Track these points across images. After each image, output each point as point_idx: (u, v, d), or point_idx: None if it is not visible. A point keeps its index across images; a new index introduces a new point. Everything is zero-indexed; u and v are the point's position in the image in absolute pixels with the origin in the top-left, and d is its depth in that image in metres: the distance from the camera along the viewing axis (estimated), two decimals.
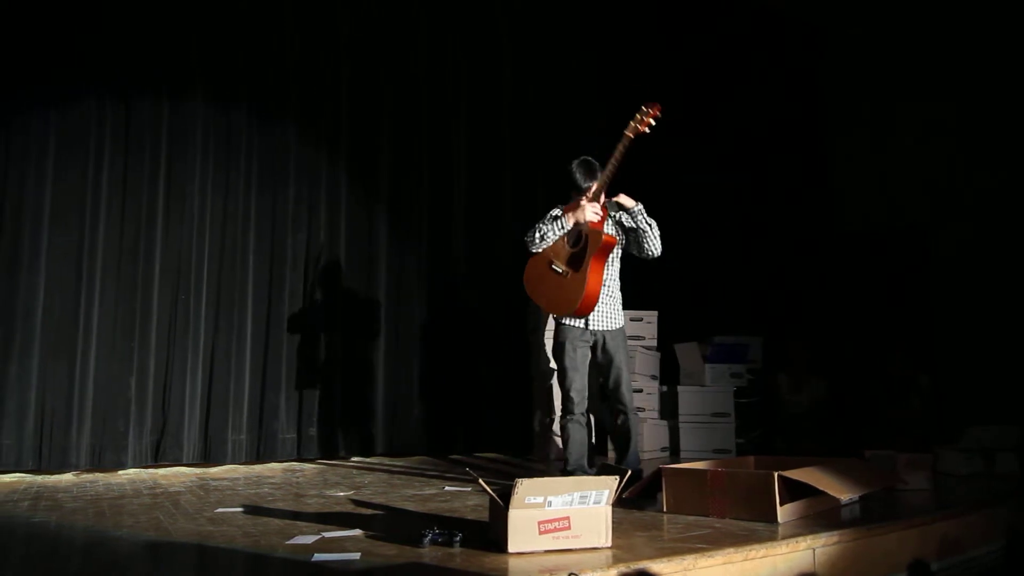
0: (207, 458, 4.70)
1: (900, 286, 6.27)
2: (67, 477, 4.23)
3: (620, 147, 3.42)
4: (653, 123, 3.41)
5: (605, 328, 3.65)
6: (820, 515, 2.83)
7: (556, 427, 5.09)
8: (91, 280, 4.51)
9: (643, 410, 5.19)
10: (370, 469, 4.64)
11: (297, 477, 4.29)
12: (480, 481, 2.46)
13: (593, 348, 3.69)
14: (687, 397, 5.29)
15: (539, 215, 3.74)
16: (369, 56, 5.44)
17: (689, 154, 6.33)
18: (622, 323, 3.73)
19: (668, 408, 5.38)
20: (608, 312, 3.67)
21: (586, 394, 3.66)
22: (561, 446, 3.75)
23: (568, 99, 6.11)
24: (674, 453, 5.23)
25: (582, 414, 3.63)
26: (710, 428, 5.23)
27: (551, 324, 5.23)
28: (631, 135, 3.42)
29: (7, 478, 4.15)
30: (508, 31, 5.97)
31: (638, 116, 3.42)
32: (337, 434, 5.12)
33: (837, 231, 6.74)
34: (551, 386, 5.15)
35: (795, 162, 6.70)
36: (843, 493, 2.87)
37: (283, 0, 5.16)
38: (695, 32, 6.50)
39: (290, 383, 5.00)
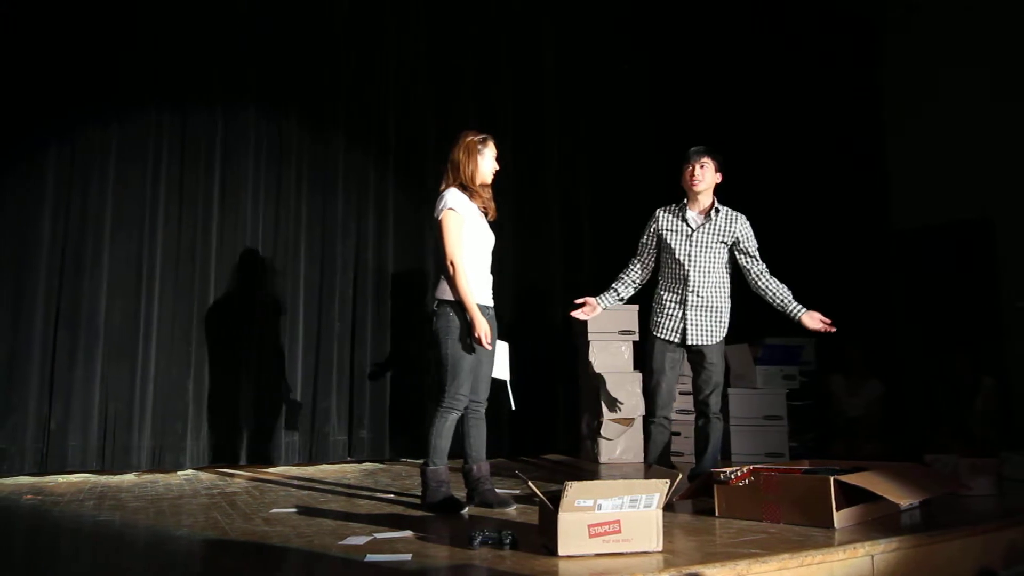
0: (261, 460, 4.79)
1: (962, 283, 6.05)
2: (129, 477, 4.37)
3: None
4: None
5: (703, 343, 3.62)
6: (878, 521, 2.76)
7: (604, 430, 5.07)
8: (150, 284, 4.64)
9: (691, 412, 5.12)
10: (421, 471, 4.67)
11: (348, 478, 4.35)
12: (530, 484, 2.46)
13: (688, 352, 3.68)
14: (738, 399, 5.19)
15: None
16: (416, 65, 5.48)
17: (741, 154, 6.22)
18: (721, 338, 3.65)
19: None
20: (707, 326, 3.62)
21: (670, 399, 3.67)
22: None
23: (614, 112, 6.08)
24: (725, 456, 5.12)
25: (664, 417, 3.65)
26: (762, 431, 5.13)
27: (595, 326, 5.24)
28: None
29: (73, 478, 4.31)
30: (553, 54, 5.96)
31: None
32: (388, 436, 5.16)
33: (894, 227, 6.54)
34: (597, 389, 5.13)
35: (849, 158, 6.53)
36: (902, 498, 2.78)
37: (334, 17, 5.24)
38: (747, 31, 6.39)
39: (341, 385, 5.07)
